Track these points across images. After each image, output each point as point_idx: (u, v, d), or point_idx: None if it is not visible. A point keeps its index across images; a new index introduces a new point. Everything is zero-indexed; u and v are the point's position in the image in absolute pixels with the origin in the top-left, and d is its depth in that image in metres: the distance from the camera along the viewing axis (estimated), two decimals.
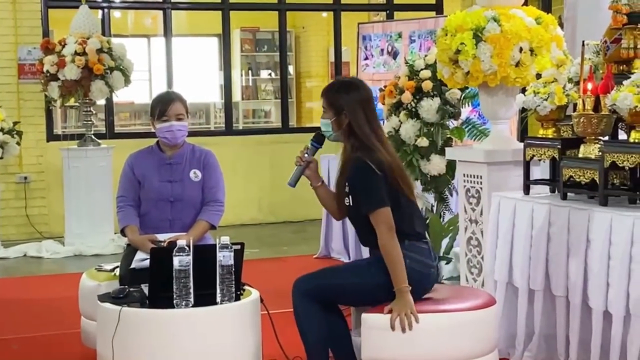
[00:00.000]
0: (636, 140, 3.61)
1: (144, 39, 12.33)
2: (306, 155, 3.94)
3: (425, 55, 5.65)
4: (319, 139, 3.94)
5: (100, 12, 8.99)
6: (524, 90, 4.48)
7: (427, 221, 5.31)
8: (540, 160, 4.26)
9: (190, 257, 3.44)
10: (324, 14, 11.83)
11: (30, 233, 8.47)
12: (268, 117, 12.96)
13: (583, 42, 4.10)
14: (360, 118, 3.75)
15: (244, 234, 7.72)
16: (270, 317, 3.76)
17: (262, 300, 3.77)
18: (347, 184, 3.76)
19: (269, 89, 12.92)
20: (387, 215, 3.65)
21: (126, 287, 3.79)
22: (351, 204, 3.76)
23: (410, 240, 3.71)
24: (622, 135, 3.93)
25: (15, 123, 7.86)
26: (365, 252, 6.52)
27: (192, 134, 4.56)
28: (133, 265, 4.17)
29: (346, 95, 3.78)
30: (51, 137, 8.74)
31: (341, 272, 3.84)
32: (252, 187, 9.36)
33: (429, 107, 5.36)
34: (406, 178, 3.78)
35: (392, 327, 3.48)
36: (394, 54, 7.46)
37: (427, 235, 3.88)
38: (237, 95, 12.22)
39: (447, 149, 5.15)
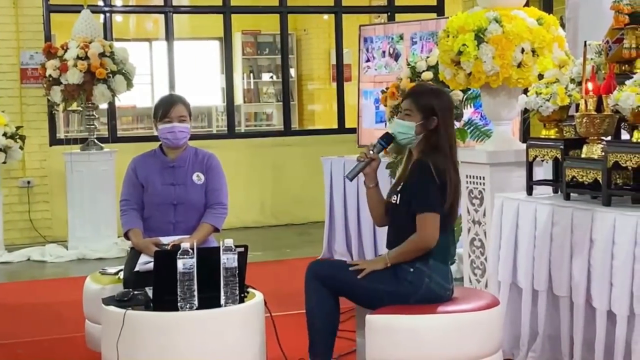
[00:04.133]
0: (639, 140, 3.61)
1: (146, 43, 12.34)
2: (371, 152, 3.90)
3: (427, 57, 5.66)
4: (387, 139, 3.89)
5: (102, 16, 9.01)
6: (526, 91, 4.48)
7: None
8: (543, 160, 4.26)
9: (194, 260, 3.45)
10: (325, 16, 11.84)
11: (34, 237, 8.48)
12: (270, 120, 12.97)
13: (585, 42, 4.10)
14: (450, 123, 3.78)
15: (246, 237, 7.70)
16: (272, 319, 3.76)
17: (265, 303, 3.77)
18: (402, 183, 3.79)
19: (271, 92, 12.93)
20: (436, 221, 3.67)
21: (130, 290, 3.80)
22: (398, 202, 3.77)
23: (437, 261, 3.72)
24: (624, 135, 3.93)
25: (18, 127, 7.88)
26: (369, 255, 6.58)
27: (194, 137, 4.57)
28: (137, 269, 4.18)
29: (438, 99, 3.78)
30: (54, 141, 8.75)
31: (356, 271, 3.83)
32: (255, 190, 9.36)
33: None
34: (459, 194, 3.79)
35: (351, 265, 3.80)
36: (396, 56, 7.47)
37: (453, 258, 3.89)
38: (239, 98, 12.22)
39: None
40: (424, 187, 3.68)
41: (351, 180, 4.00)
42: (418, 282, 3.68)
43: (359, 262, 3.84)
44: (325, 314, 3.74)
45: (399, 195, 3.77)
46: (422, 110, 3.76)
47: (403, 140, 3.82)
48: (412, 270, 3.69)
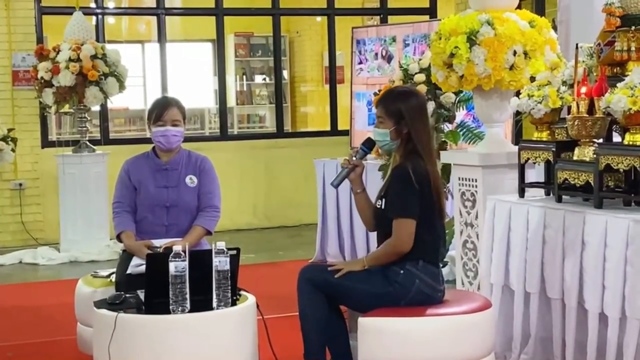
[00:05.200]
0: (630, 143, 3.62)
1: (138, 45, 12.33)
2: (354, 158, 3.91)
3: (420, 59, 5.66)
4: (369, 144, 3.91)
5: (94, 18, 9.00)
6: (518, 94, 4.48)
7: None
8: (535, 163, 4.26)
9: (186, 263, 3.44)
10: (318, 18, 11.85)
11: (26, 240, 8.45)
12: (263, 122, 12.96)
13: (577, 44, 4.10)
14: (420, 126, 3.76)
15: (239, 239, 7.71)
16: (264, 322, 3.76)
17: (257, 306, 3.77)
18: (386, 188, 3.79)
19: (264, 94, 12.92)
20: (411, 227, 3.68)
21: (122, 293, 3.79)
22: (383, 206, 3.78)
23: (426, 262, 3.73)
24: (616, 138, 3.93)
25: (10, 130, 7.83)
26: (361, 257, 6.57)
27: (186, 139, 4.57)
28: (129, 271, 4.18)
29: (406, 103, 3.77)
30: (46, 143, 8.73)
31: (348, 273, 3.83)
32: (247, 192, 9.35)
33: None
34: (442, 196, 3.80)
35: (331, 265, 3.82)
36: (388, 58, 7.47)
37: (442, 260, 3.89)
38: (231, 101, 12.21)
39: (442, 152, 5.15)
40: (401, 192, 3.70)
41: (336, 187, 4.01)
42: (408, 284, 3.69)
43: (337, 263, 3.85)
44: (318, 319, 3.74)
45: (383, 200, 3.78)
46: (391, 116, 3.77)
47: (383, 147, 3.86)
48: (402, 272, 3.69)
